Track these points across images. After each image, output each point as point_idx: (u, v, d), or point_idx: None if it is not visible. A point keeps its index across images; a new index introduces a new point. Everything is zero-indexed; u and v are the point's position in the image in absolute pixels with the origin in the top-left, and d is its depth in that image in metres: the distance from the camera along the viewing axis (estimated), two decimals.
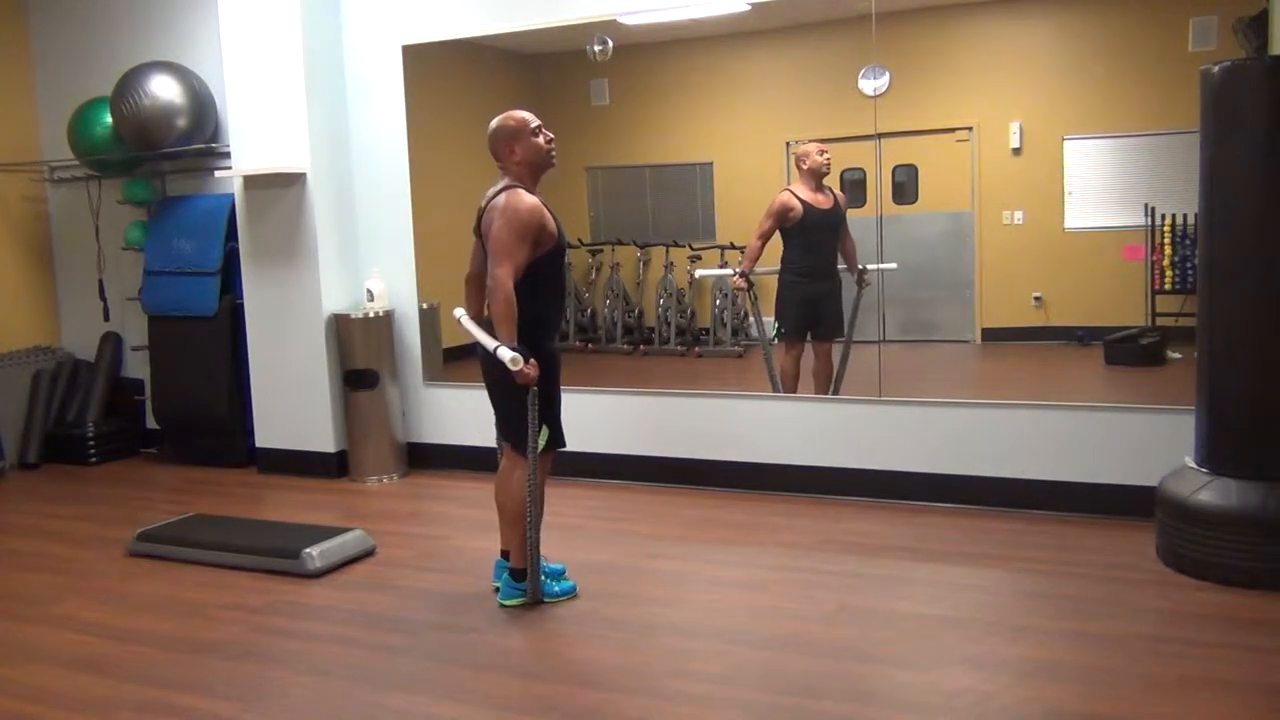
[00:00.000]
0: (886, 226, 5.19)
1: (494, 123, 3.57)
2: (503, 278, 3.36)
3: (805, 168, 5.12)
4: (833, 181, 5.31)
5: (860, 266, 5.18)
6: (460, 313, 3.80)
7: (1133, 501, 4.24)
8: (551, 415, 3.61)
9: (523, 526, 3.59)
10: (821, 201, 5.12)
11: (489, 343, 3.41)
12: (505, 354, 3.30)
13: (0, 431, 6.14)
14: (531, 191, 3.52)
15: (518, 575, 3.65)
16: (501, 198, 3.47)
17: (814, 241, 5.18)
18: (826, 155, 5.11)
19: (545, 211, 3.48)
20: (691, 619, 3.54)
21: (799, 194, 5.11)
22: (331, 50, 5.58)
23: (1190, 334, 3.90)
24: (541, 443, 3.54)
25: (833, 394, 5.08)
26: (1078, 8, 5.16)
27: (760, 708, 2.90)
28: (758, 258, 5.22)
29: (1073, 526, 4.30)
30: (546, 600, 3.66)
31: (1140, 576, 3.71)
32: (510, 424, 3.60)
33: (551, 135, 3.59)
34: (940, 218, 5.55)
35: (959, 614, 3.48)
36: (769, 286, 5.43)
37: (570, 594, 3.70)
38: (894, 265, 5.20)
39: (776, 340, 5.33)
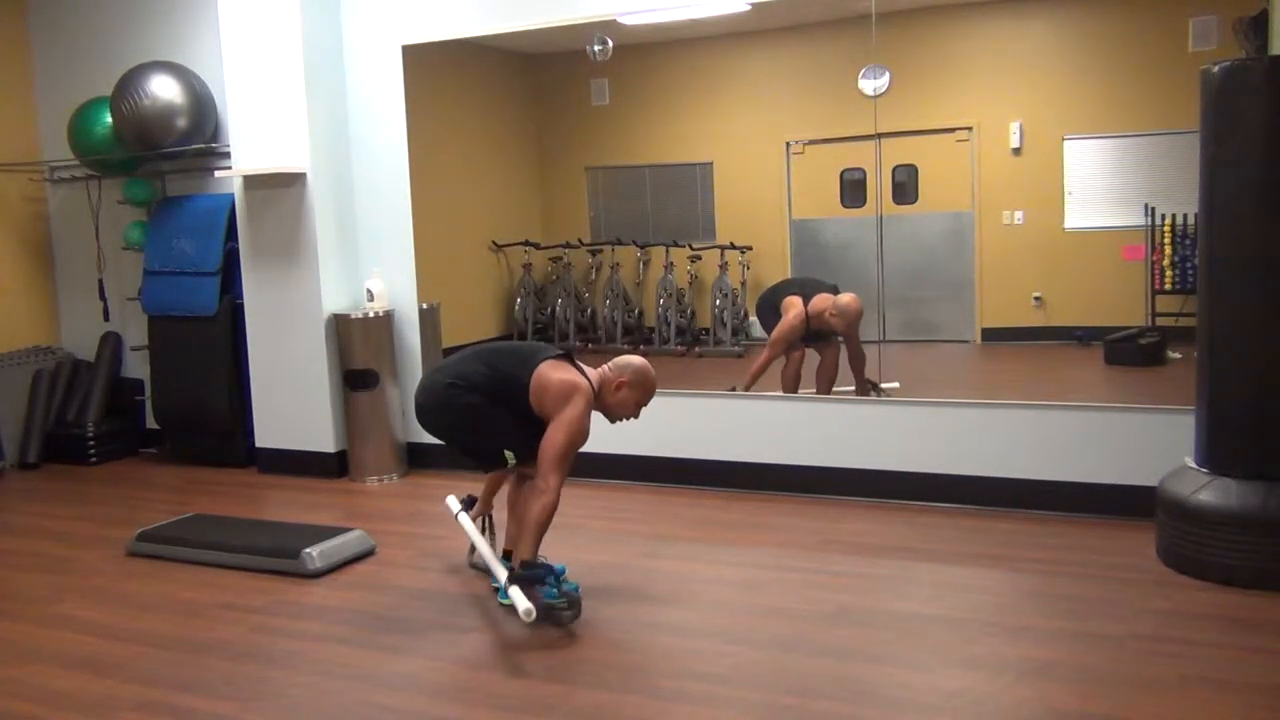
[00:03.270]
0: (886, 226, 5.19)
1: (638, 362, 3.63)
2: (555, 488, 3.46)
3: (830, 316, 5.14)
4: (834, 181, 5.32)
5: (869, 381, 5.13)
6: (456, 507, 4.02)
7: (1133, 501, 4.23)
8: (500, 436, 3.63)
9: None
10: (825, 326, 5.17)
11: (499, 571, 3.53)
12: (520, 604, 3.28)
13: (0, 431, 6.14)
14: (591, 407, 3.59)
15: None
16: (580, 391, 3.52)
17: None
18: (842, 324, 5.13)
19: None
20: (691, 619, 3.54)
21: (809, 320, 5.16)
22: (331, 50, 5.58)
23: (1190, 334, 3.90)
24: (511, 460, 3.64)
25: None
26: (1078, 8, 5.16)
27: (760, 708, 2.90)
28: (760, 375, 5.26)
29: (1073, 526, 4.30)
30: (548, 601, 3.64)
31: (1140, 576, 3.71)
32: (478, 452, 3.72)
33: (638, 417, 3.70)
34: (940, 218, 5.54)
35: (959, 614, 3.48)
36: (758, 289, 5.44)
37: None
38: (896, 384, 5.12)
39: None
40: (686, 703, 2.94)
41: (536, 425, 3.57)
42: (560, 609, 3.42)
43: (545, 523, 3.50)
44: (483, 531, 3.99)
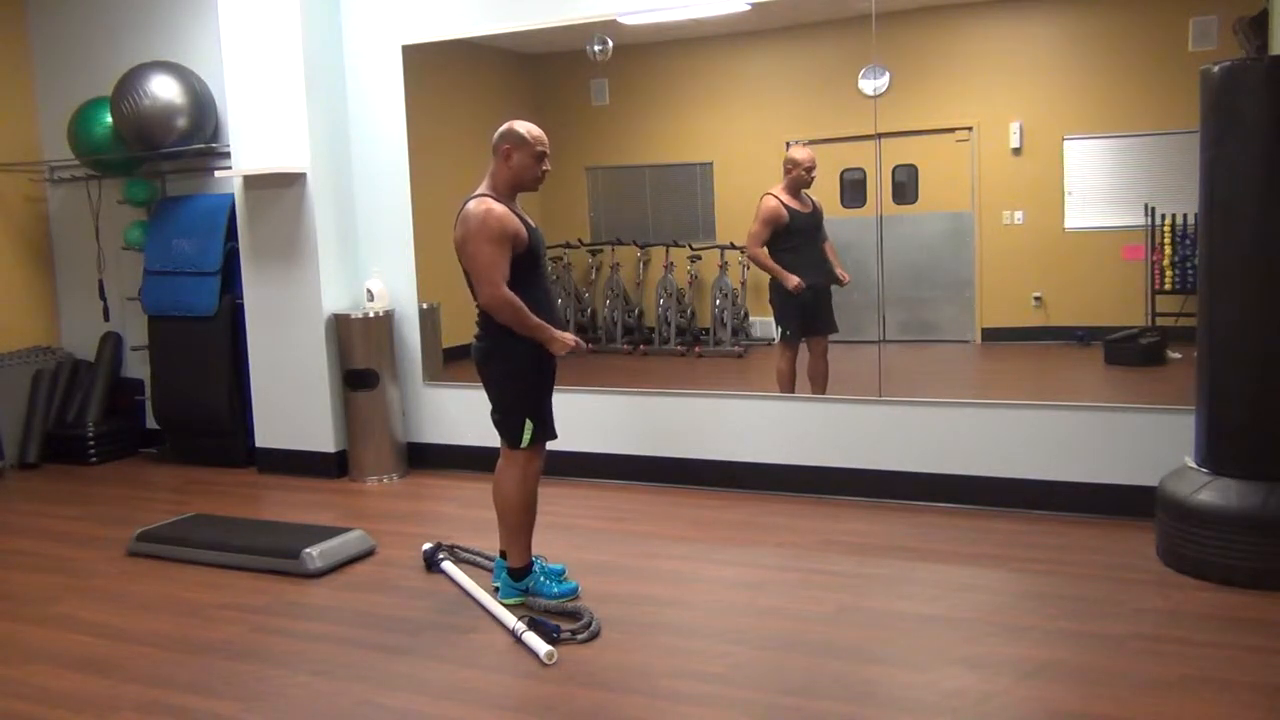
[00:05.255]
0: (886, 226, 5.19)
1: (510, 123, 3.58)
2: (499, 293, 3.43)
3: (792, 175, 5.19)
4: (834, 181, 5.32)
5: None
6: (435, 555, 4.04)
7: (1133, 501, 4.24)
8: (534, 407, 3.61)
9: (516, 525, 3.62)
10: (802, 207, 5.22)
11: (507, 619, 3.48)
12: (540, 649, 3.23)
13: (0, 431, 6.14)
14: (509, 200, 3.54)
15: (516, 575, 3.65)
16: (471, 207, 3.49)
17: (801, 243, 5.25)
18: (814, 172, 5.20)
19: (515, 218, 3.50)
20: (691, 619, 3.54)
21: (782, 199, 5.19)
22: (331, 50, 5.58)
23: (1190, 334, 3.90)
24: (527, 437, 3.57)
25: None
26: (1078, 8, 5.16)
27: (760, 708, 2.90)
28: (767, 265, 5.27)
29: (1073, 526, 4.30)
30: (543, 599, 3.64)
31: (1140, 576, 3.71)
32: (500, 421, 3.65)
33: (549, 169, 3.59)
34: (940, 218, 5.54)
35: (959, 614, 3.48)
36: (767, 289, 5.43)
37: (571, 595, 3.69)
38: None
39: (779, 341, 5.33)
40: (686, 703, 2.94)
41: (546, 377, 3.61)
42: (576, 631, 3.38)
43: (515, 319, 3.45)
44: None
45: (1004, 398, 4.60)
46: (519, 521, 3.63)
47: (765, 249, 5.23)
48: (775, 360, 5.28)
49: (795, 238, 5.22)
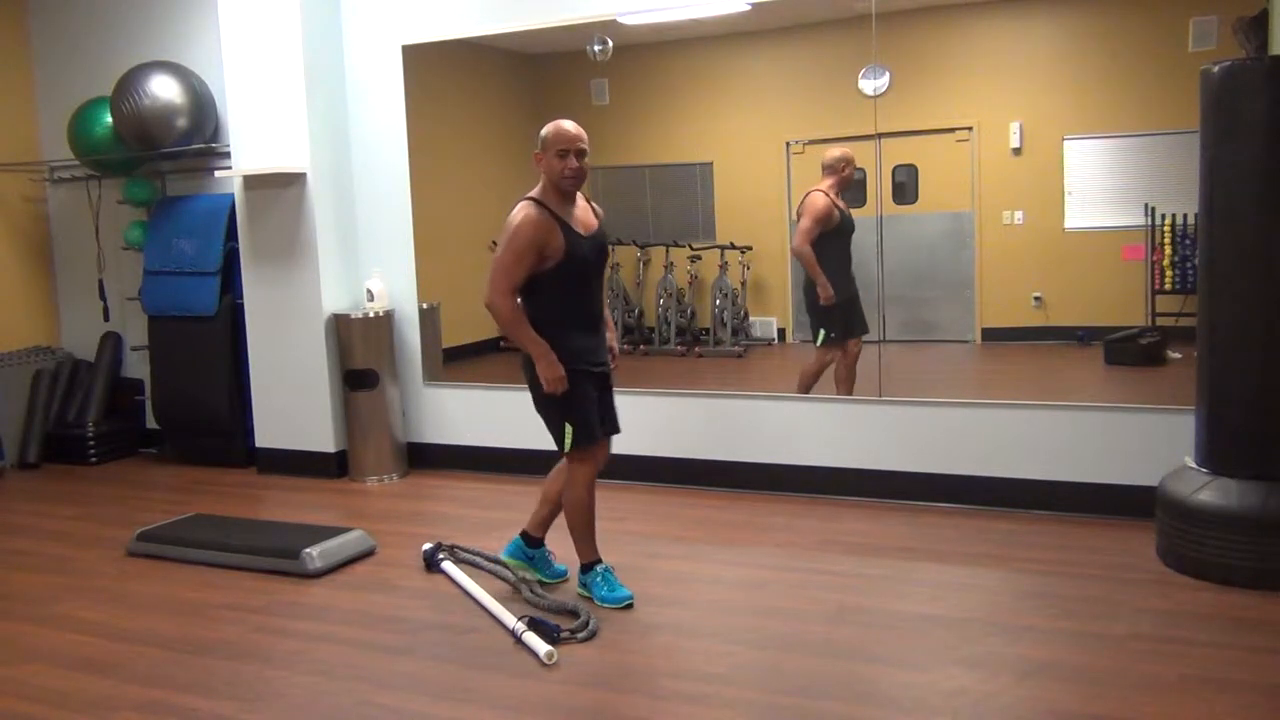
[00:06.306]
0: (886, 226, 5.19)
1: (547, 126, 3.57)
2: (497, 301, 3.45)
3: (845, 174, 5.14)
4: None
5: None
6: (435, 556, 4.06)
7: (1133, 501, 4.24)
8: (572, 411, 3.56)
9: (574, 527, 3.66)
10: (845, 208, 5.20)
11: (506, 619, 3.48)
12: (540, 649, 3.23)
13: (0, 431, 6.14)
14: (560, 202, 3.52)
15: (584, 569, 3.71)
16: (516, 209, 3.50)
17: (842, 244, 5.23)
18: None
19: (553, 226, 3.47)
20: (691, 619, 3.54)
21: (832, 198, 5.14)
22: (331, 50, 5.58)
23: (1190, 334, 3.90)
24: (569, 441, 3.56)
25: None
26: (1078, 8, 5.16)
27: (760, 708, 2.90)
28: (817, 270, 5.18)
29: (1073, 526, 4.31)
30: (604, 605, 3.64)
31: (1140, 576, 3.71)
32: (546, 425, 3.66)
33: (578, 165, 3.51)
34: (940, 218, 5.54)
35: (959, 614, 3.48)
36: (768, 289, 5.43)
37: (622, 603, 3.63)
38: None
39: (822, 344, 5.22)
40: (686, 703, 2.94)
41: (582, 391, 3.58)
42: (575, 631, 3.37)
43: (512, 330, 3.47)
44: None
45: (1004, 398, 4.60)
46: (575, 523, 3.65)
47: (813, 249, 5.16)
48: (808, 362, 5.18)
49: (837, 239, 5.18)
